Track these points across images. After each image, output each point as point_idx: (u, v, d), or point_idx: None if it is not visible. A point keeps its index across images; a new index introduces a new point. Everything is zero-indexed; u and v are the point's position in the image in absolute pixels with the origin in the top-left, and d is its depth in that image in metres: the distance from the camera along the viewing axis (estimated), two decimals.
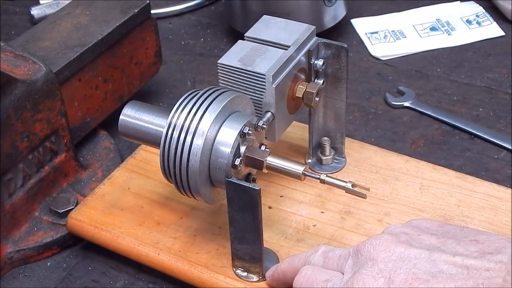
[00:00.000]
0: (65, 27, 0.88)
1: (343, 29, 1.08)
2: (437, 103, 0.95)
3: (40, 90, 0.78)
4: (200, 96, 0.68)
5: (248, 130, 0.67)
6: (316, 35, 0.76)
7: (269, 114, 0.72)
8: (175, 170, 0.67)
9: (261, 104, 0.72)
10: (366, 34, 1.07)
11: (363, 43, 1.06)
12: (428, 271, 0.58)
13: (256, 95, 0.72)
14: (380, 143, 0.88)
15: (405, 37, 1.06)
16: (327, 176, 0.68)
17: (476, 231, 0.62)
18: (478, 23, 1.07)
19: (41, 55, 0.82)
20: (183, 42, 1.09)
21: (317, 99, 0.75)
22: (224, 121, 0.67)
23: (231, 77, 0.72)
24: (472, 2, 1.11)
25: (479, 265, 0.57)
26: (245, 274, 0.71)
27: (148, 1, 0.91)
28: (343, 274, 0.62)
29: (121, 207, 0.79)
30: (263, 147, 0.70)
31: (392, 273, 0.59)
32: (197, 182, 0.66)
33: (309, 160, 0.82)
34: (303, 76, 0.75)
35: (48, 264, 0.79)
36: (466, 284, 0.56)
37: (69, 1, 0.95)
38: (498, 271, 0.56)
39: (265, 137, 0.73)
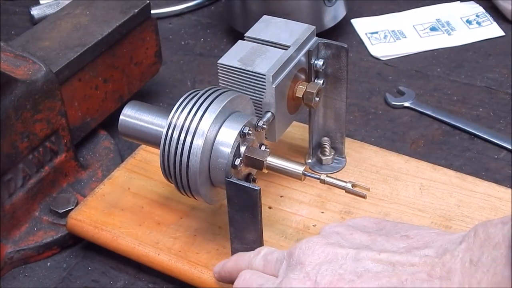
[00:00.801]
0: (65, 27, 0.88)
1: (343, 29, 1.08)
2: (437, 103, 0.95)
3: (40, 90, 0.78)
4: (200, 96, 0.68)
5: (248, 130, 0.67)
6: (316, 35, 0.76)
7: (269, 114, 0.72)
8: (175, 170, 0.67)
9: (261, 104, 0.72)
10: (366, 34, 1.07)
11: (363, 43, 1.06)
12: (354, 270, 0.58)
13: (256, 95, 0.72)
14: (380, 143, 0.88)
15: (405, 37, 1.06)
16: (327, 176, 0.68)
17: (409, 226, 0.62)
18: (478, 23, 1.07)
19: (41, 55, 0.82)
20: (183, 42, 1.09)
21: (317, 99, 0.75)
22: (224, 121, 0.67)
23: (231, 77, 0.72)
24: (472, 2, 1.11)
25: (404, 260, 0.57)
26: None
27: (148, 1, 0.91)
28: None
29: (121, 207, 0.79)
30: (263, 147, 0.70)
31: (318, 275, 0.59)
32: (197, 182, 0.66)
33: (309, 160, 0.82)
34: (303, 76, 0.75)
35: (48, 264, 0.79)
36: (390, 282, 0.56)
37: (69, 1, 0.95)
38: (422, 266, 0.56)
39: (265, 137, 0.73)
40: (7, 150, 0.76)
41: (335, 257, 0.60)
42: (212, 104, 0.67)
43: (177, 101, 0.68)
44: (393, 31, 1.07)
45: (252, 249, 0.68)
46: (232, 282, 0.67)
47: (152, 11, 0.95)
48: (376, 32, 1.07)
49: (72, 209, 0.79)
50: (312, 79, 0.76)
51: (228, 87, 0.73)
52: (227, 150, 0.66)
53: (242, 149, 0.68)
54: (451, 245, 0.56)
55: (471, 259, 0.54)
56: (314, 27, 0.75)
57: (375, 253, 0.58)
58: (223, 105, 0.67)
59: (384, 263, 0.58)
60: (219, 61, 0.72)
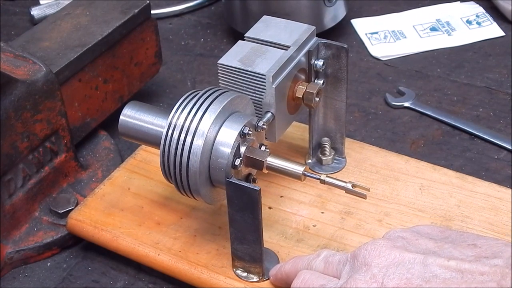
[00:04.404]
0: (65, 27, 0.88)
1: (343, 30, 1.08)
2: (437, 104, 0.95)
3: (40, 91, 0.78)
4: (200, 97, 0.68)
5: (248, 130, 0.67)
6: (316, 36, 0.76)
7: (269, 114, 0.72)
8: (175, 170, 0.67)
9: (261, 105, 0.72)
10: (366, 34, 1.07)
11: (363, 43, 1.06)
12: (422, 275, 0.57)
13: (256, 95, 0.72)
14: (380, 144, 0.88)
15: (405, 37, 1.06)
16: (327, 176, 0.68)
17: (475, 236, 0.62)
18: (478, 23, 1.07)
19: (41, 55, 0.82)
20: (183, 43, 1.09)
21: (317, 99, 0.75)
22: (224, 121, 0.67)
23: (231, 78, 0.72)
24: (472, 2, 1.11)
25: (473, 269, 0.57)
26: (245, 274, 0.71)
27: (148, 2, 0.91)
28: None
29: (121, 207, 0.79)
30: (263, 148, 0.70)
31: (385, 278, 0.58)
32: (197, 183, 0.66)
33: (309, 161, 0.82)
34: (303, 77, 0.75)
35: (48, 264, 0.79)
36: None
37: (69, 2, 0.95)
38: (492, 275, 0.56)
39: (265, 138, 0.73)
40: (7, 150, 0.76)
41: (402, 261, 0.59)
42: (212, 105, 0.67)
43: (177, 101, 0.68)
44: (393, 31, 1.07)
45: (252, 249, 0.68)
46: (288, 284, 0.66)
47: (152, 11, 0.95)
48: (376, 32, 1.07)
49: (72, 209, 0.79)
50: (312, 79, 0.76)
51: (228, 87, 0.73)
52: (227, 150, 0.66)
53: (242, 149, 0.68)
54: None
55: None
56: (314, 27, 0.75)
57: (444, 260, 0.58)
58: (223, 105, 0.67)
59: (452, 270, 0.57)
60: (219, 61, 0.72)
